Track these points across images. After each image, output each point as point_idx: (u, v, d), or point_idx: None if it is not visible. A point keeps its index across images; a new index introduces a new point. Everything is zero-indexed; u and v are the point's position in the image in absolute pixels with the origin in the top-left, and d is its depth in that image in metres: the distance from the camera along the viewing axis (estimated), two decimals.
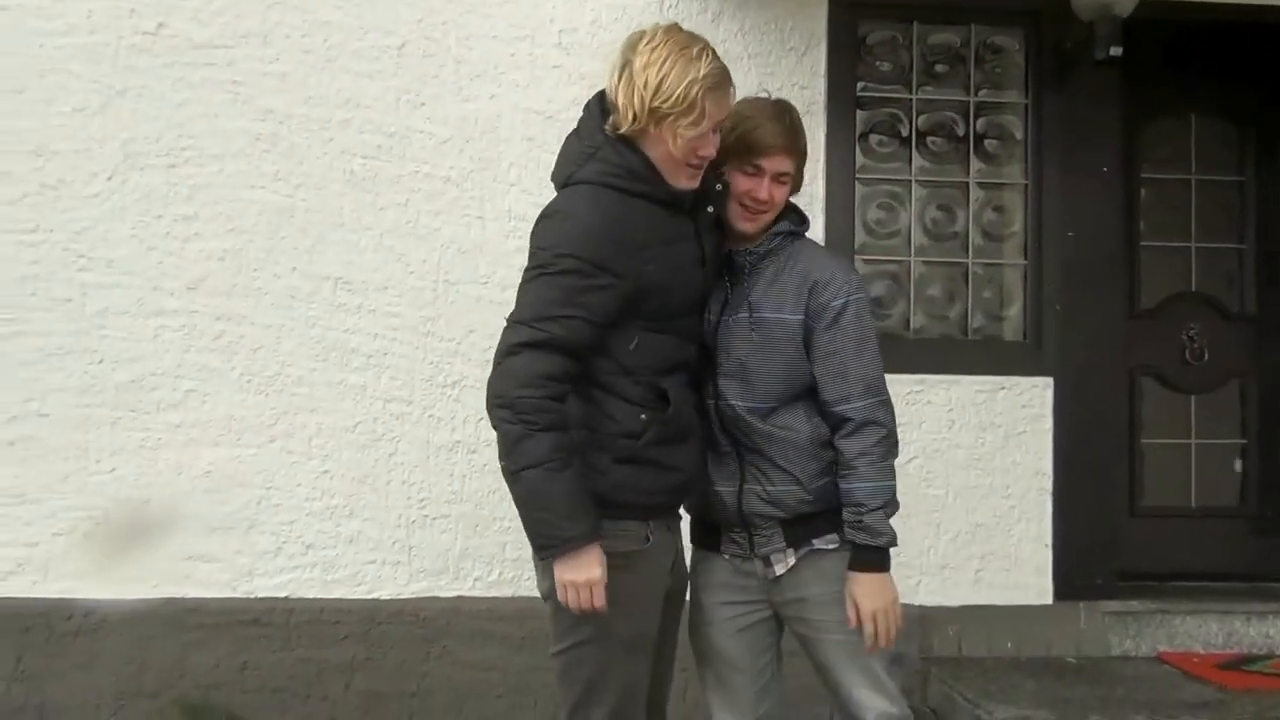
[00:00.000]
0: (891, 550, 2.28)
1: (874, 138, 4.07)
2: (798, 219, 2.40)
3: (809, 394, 2.31)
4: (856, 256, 3.97)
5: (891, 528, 2.27)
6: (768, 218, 2.31)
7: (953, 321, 4.11)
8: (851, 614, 2.25)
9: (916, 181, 4.08)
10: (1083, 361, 4.01)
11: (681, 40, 2.08)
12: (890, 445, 2.30)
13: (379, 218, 3.72)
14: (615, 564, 2.11)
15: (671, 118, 2.04)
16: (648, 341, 2.15)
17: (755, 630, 2.40)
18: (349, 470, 3.69)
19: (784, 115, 2.32)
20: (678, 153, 2.09)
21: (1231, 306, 4.48)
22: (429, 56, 3.76)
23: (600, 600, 2.07)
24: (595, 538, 2.06)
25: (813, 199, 3.89)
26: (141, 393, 3.62)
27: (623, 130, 2.09)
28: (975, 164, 4.09)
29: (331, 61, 3.73)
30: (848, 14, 3.94)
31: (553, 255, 2.08)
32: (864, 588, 2.25)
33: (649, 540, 2.19)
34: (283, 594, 3.63)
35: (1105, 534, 4.03)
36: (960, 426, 3.92)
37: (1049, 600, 3.93)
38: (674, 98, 2.02)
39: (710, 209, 2.23)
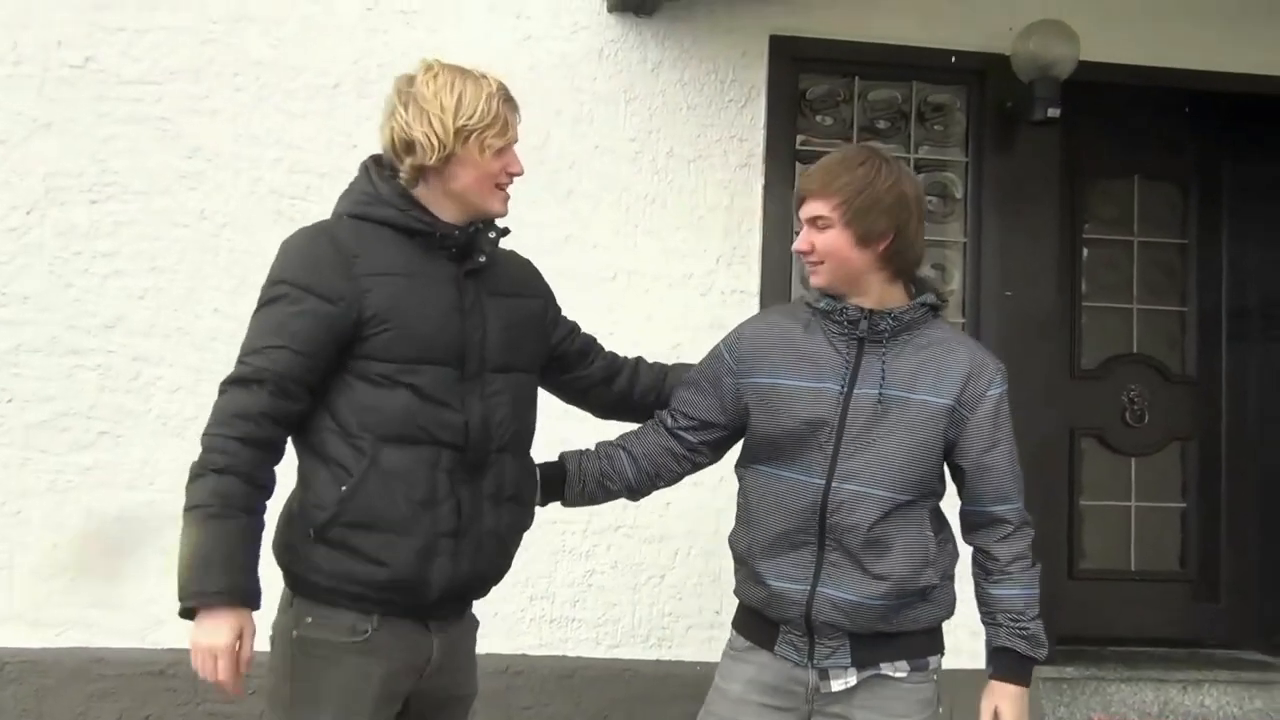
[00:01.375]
0: None
1: None
2: (936, 294, 2.15)
3: (934, 494, 2.11)
4: None
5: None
6: (826, 270, 2.08)
7: None
8: None
9: None
10: (1022, 422, 3.81)
11: (458, 66, 2.01)
12: (1034, 549, 2.13)
13: None
14: (321, 654, 1.91)
15: (478, 132, 1.95)
16: (367, 394, 1.89)
17: None
18: (268, 518, 3.54)
19: (830, 158, 2.13)
20: (490, 168, 1.98)
21: (1173, 368, 4.42)
22: (364, 99, 3.65)
23: (226, 674, 1.82)
24: (238, 602, 1.82)
25: (749, 252, 3.82)
26: (53, 434, 3.47)
27: (429, 164, 1.93)
28: None
29: (263, 100, 3.62)
30: (788, 67, 3.87)
31: (267, 286, 1.93)
32: (1013, 703, 2.08)
33: (367, 635, 1.90)
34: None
35: (1043, 597, 3.88)
36: None
37: (982, 665, 3.80)
38: (477, 111, 1.94)
39: (482, 258, 2.02)
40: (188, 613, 1.84)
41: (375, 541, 1.89)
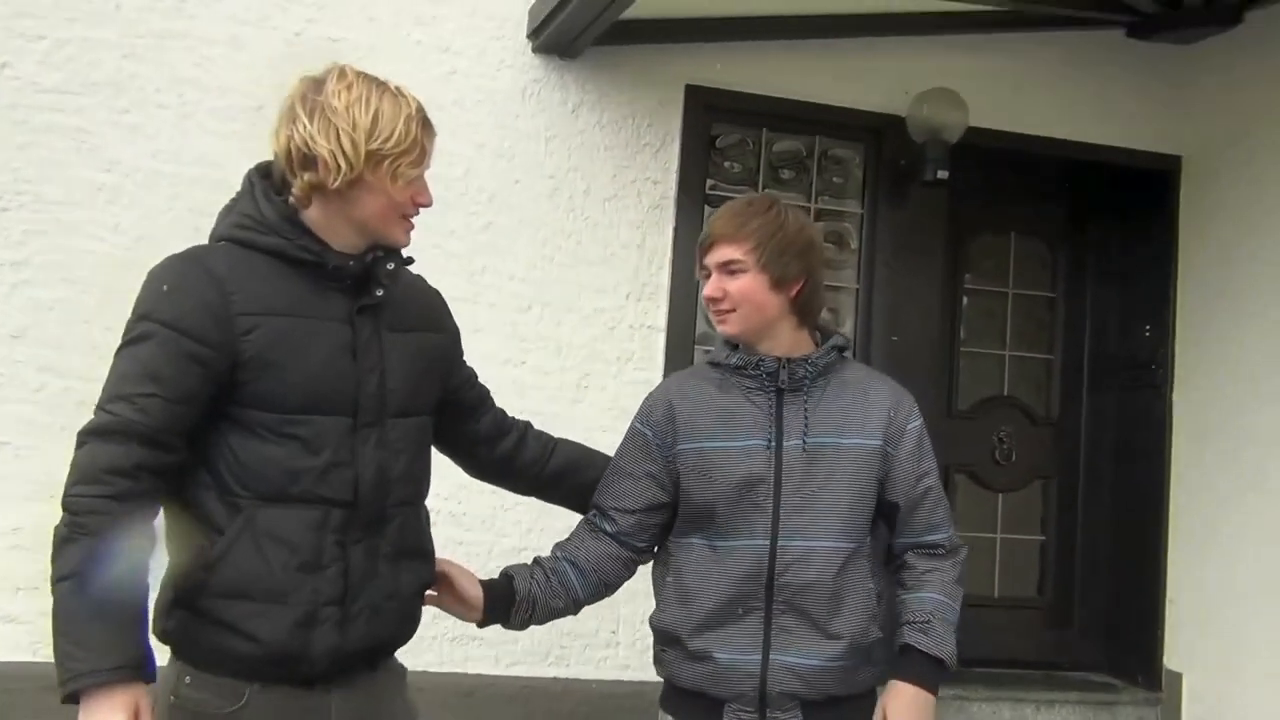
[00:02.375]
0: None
1: None
2: (839, 335, 2.10)
3: (869, 542, 2.00)
4: (697, 347, 4.03)
5: (955, 650, 1.98)
6: (737, 317, 1.99)
7: None
8: None
9: None
10: None
11: (373, 78, 1.76)
12: (963, 574, 2.05)
13: None
14: None
15: (391, 159, 1.69)
16: (245, 448, 1.67)
17: None
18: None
19: (735, 203, 2.07)
20: (398, 196, 1.74)
21: (1039, 411, 4.73)
22: None
23: None
24: (128, 677, 1.57)
25: (658, 289, 3.96)
26: None
27: (331, 186, 1.68)
28: None
29: (186, 118, 3.60)
30: (702, 115, 4.04)
31: (133, 321, 1.69)
32: (905, 703, 1.95)
33: (244, 702, 1.67)
34: None
35: None
36: None
37: None
38: (395, 135, 1.69)
39: (380, 292, 1.78)
40: (71, 698, 1.59)
41: (245, 611, 1.66)
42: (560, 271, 3.87)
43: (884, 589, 2.02)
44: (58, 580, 1.59)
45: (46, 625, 3.53)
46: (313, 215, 1.74)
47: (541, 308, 3.85)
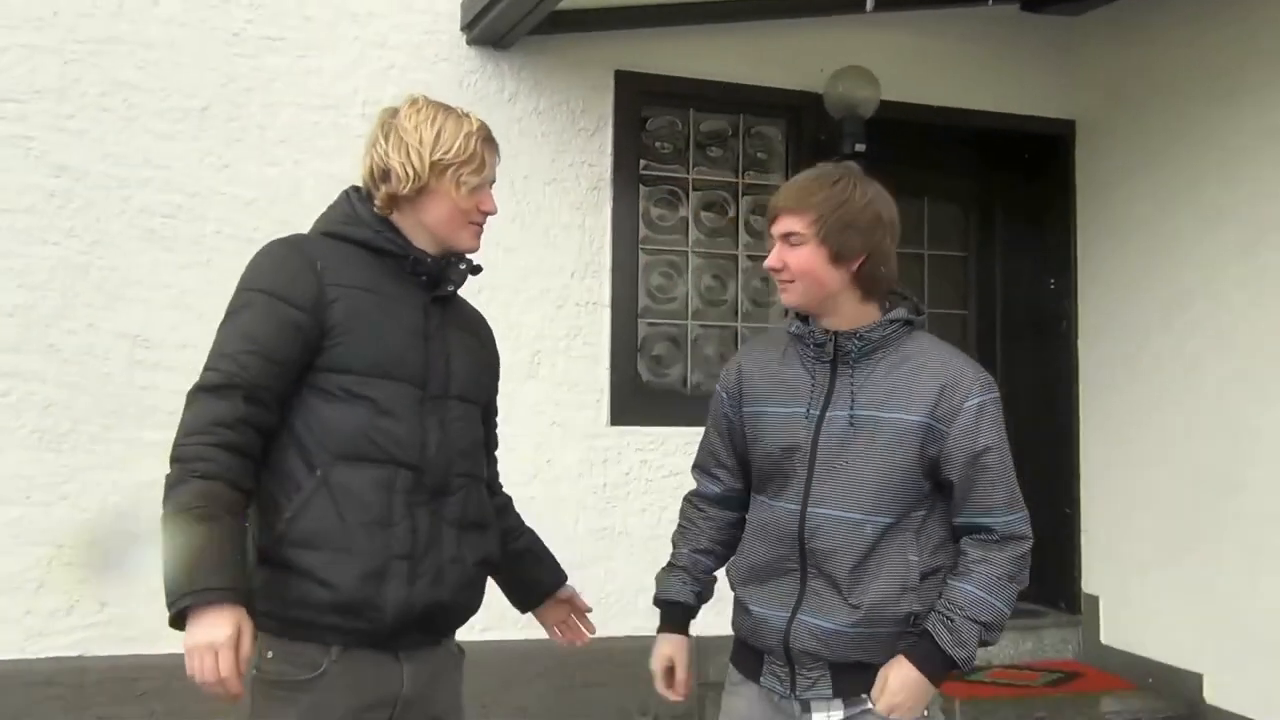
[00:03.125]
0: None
1: (655, 212, 4.35)
2: (912, 307, 2.04)
3: (920, 517, 1.97)
4: (640, 319, 4.23)
5: (975, 651, 1.92)
6: (797, 288, 1.98)
7: None
8: (874, 692, 1.94)
9: (693, 253, 4.39)
10: None
11: (442, 104, 2.00)
12: (1023, 565, 1.96)
13: (178, 276, 3.67)
14: (280, 694, 1.82)
15: (454, 168, 1.93)
16: (325, 409, 1.84)
17: None
18: (146, 526, 3.58)
19: (805, 174, 2.04)
20: (463, 203, 1.95)
21: None
22: (232, 121, 3.76)
23: (228, 667, 1.66)
24: (230, 599, 1.69)
25: (600, 267, 4.14)
26: None
27: (403, 192, 1.92)
28: (744, 238, 4.45)
29: (132, 121, 3.65)
30: (633, 99, 4.21)
31: (237, 294, 1.89)
32: (904, 680, 1.92)
33: (323, 670, 1.80)
34: (75, 653, 3.49)
35: None
36: None
37: None
38: (455, 148, 1.93)
39: (451, 288, 2.00)
40: (178, 619, 1.69)
41: (323, 561, 1.80)
42: (506, 255, 4.00)
43: (940, 564, 1.98)
44: (173, 513, 1.72)
45: (31, 623, 3.60)
46: (396, 219, 1.97)
47: (491, 290, 3.91)
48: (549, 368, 4.06)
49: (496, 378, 2.17)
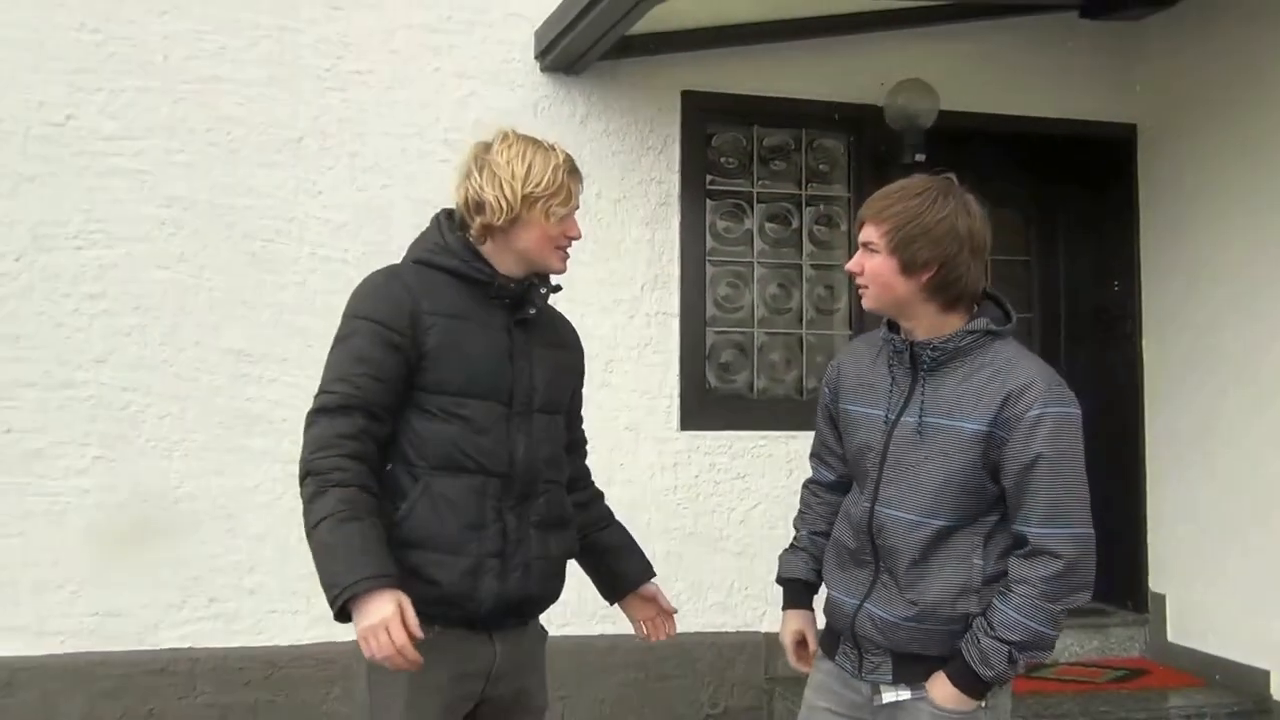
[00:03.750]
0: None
1: (721, 224, 4.50)
2: (1000, 315, 2.09)
3: (992, 522, 2.03)
4: (708, 328, 4.39)
5: (1007, 669, 1.97)
6: (872, 293, 2.08)
7: (790, 384, 4.57)
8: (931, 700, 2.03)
9: (758, 263, 4.54)
10: None
11: (530, 138, 2.13)
12: (1061, 585, 1.94)
13: (279, 295, 3.94)
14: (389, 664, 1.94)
15: (543, 200, 2.06)
16: (423, 425, 2.03)
17: None
18: (250, 528, 3.87)
19: (894, 185, 2.13)
20: (552, 231, 2.10)
21: None
22: (325, 150, 4.02)
23: (401, 637, 1.84)
24: (387, 584, 1.87)
25: (669, 278, 4.31)
26: (48, 461, 3.72)
27: (497, 224, 2.06)
28: (807, 248, 4.59)
29: (234, 153, 3.93)
30: (698, 117, 4.38)
31: (345, 320, 2.06)
32: (944, 695, 2.01)
33: (428, 639, 1.92)
34: (187, 644, 3.78)
35: None
36: (798, 475, 4.21)
37: None
38: (544, 181, 2.06)
39: (533, 310, 2.15)
40: (343, 613, 1.88)
41: (428, 560, 2.00)
42: (581, 269, 4.09)
43: (1006, 570, 2.02)
44: (315, 524, 1.91)
45: (148, 616, 3.86)
46: (486, 249, 2.12)
47: (567, 302, 4.08)
48: (621, 375, 4.24)
49: (581, 375, 2.33)
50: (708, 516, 4.29)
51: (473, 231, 2.10)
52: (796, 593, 2.33)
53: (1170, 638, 4.58)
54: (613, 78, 4.27)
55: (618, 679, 4.14)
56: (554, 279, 2.20)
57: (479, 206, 2.08)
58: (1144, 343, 4.77)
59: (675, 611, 2.44)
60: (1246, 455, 4.23)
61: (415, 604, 1.95)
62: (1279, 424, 4.09)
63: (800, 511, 2.38)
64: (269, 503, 3.87)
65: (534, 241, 2.11)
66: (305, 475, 1.97)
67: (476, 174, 2.09)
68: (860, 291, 2.12)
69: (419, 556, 2.00)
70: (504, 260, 2.12)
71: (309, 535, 1.93)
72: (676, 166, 4.33)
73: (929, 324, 2.06)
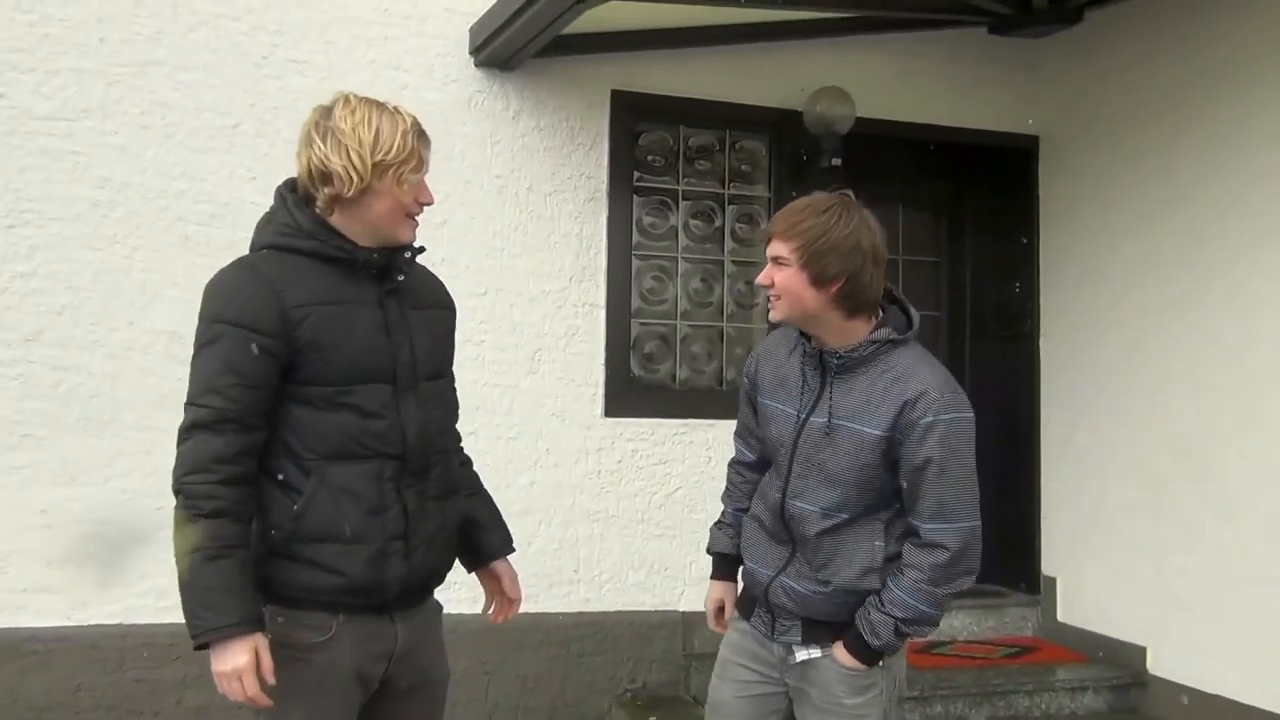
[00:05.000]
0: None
1: (647, 220, 4.64)
2: (903, 324, 2.22)
3: (894, 510, 2.20)
4: (633, 320, 4.52)
5: (893, 640, 2.17)
6: (783, 305, 2.18)
7: (710, 374, 4.74)
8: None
9: (682, 258, 4.69)
10: None
11: (373, 100, 2.01)
12: (947, 572, 2.13)
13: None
14: (293, 655, 1.94)
15: (395, 167, 1.95)
16: (310, 417, 1.95)
17: (765, 700, 2.35)
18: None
19: (799, 202, 2.22)
20: (405, 199, 1.99)
21: None
22: (260, 136, 4.05)
23: (253, 688, 1.84)
24: (248, 629, 1.85)
25: (596, 271, 4.44)
26: None
27: (346, 195, 1.94)
28: (729, 245, 4.75)
29: (169, 137, 3.95)
30: (627, 116, 4.50)
31: (207, 324, 1.95)
32: (844, 658, 2.22)
33: (332, 632, 1.97)
34: (116, 620, 3.80)
35: None
36: (717, 461, 4.48)
37: None
38: (394, 147, 1.95)
39: (401, 277, 2.05)
40: (202, 646, 1.88)
41: (331, 551, 1.94)
42: (510, 260, 4.31)
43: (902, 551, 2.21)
44: (186, 552, 1.86)
45: (78, 593, 3.87)
46: (336, 220, 2.00)
47: (496, 292, 4.30)
48: (549, 364, 4.36)
49: (454, 326, 2.23)
50: (630, 500, 4.43)
51: (319, 204, 1.98)
52: (722, 565, 2.54)
53: (1060, 618, 4.86)
54: (545, 75, 4.37)
55: (540, 655, 4.26)
56: (425, 242, 2.12)
57: (325, 177, 1.95)
58: (1041, 341, 5.04)
59: (519, 599, 2.38)
60: (1131, 449, 4.51)
61: (320, 595, 1.96)
62: (1160, 418, 4.38)
63: (727, 489, 2.57)
64: None
65: (386, 211, 2.00)
66: (176, 493, 1.90)
67: (320, 142, 1.96)
68: (771, 304, 2.21)
69: (321, 550, 1.95)
70: (354, 231, 2.00)
71: (176, 558, 1.88)
72: (605, 163, 4.46)
73: (837, 332, 2.19)
